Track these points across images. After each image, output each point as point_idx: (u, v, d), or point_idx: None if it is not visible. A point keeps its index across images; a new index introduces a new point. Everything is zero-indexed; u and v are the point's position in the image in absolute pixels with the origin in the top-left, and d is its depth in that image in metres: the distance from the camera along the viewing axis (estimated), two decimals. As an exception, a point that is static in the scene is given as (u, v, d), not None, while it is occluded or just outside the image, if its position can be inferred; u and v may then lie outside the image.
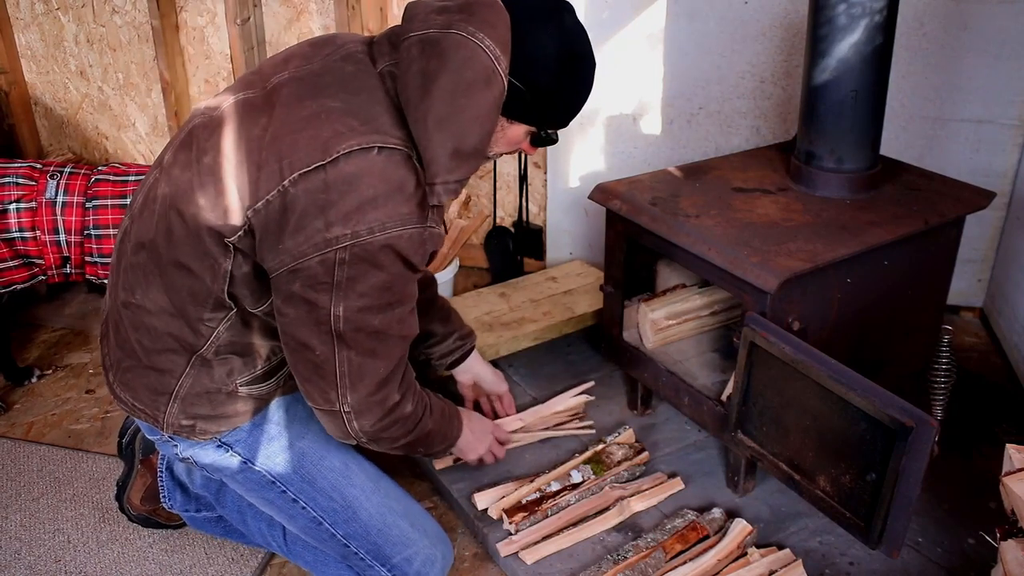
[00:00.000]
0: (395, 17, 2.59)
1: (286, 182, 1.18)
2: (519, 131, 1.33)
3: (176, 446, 1.42)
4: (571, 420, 1.97)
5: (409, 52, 1.21)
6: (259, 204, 1.19)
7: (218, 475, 1.46)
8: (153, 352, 1.34)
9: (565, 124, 1.37)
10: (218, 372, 1.35)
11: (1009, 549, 1.13)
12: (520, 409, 1.95)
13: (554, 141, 1.39)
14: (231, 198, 1.21)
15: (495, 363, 2.18)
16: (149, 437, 1.47)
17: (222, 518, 1.66)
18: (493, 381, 1.87)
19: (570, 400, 2.02)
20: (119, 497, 1.75)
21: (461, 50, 1.18)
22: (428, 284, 1.73)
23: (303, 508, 1.44)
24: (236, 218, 1.21)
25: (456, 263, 2.43)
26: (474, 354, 1.82)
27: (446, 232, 1.60)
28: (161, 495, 1.67)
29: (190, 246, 1.26)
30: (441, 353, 1.78)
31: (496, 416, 1.91)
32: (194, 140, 1.28)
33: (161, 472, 1.68)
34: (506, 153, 1.40)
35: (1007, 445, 1.20)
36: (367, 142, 1.18)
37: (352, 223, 1.16)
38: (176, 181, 1.27)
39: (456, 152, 1.21)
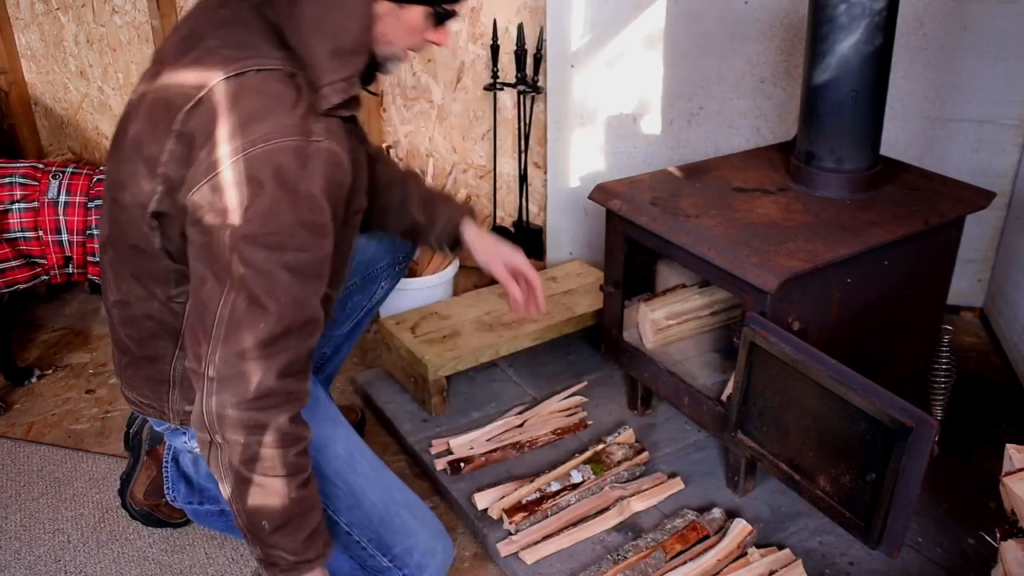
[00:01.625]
0: (395, 17, 2.59)
1: (176, 125, 1.18)
2: (415, 16, 1.28)
3: (184, 434, 1.43)
4: (570, 419, 1.97)
5: None
6: (164, 157, 1.19)
7: None
8: (142, 342, 1.35)
9: None
10: None
11: (1009, 549, 1.13)
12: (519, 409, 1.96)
13: (454, 14, 1.33)
14: (144, 168, 1.22)
15: (494, 363, 2.19)
16: (157, 429, 1.47)
17: (224, 511, 1.66)
18: (511, 254, 1.69)
19: (565, 402, 2.03)
20: (122, 492, 1.76)
21: None
22: (389, 187, 1.67)
23: None
24: (148, 183, 1.22)
25: (456, 263, 2.43)
26: (474, 229, 1.70)
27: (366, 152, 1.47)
28: (165, 487, 1.67)
29: (133, 230, 1.27)
30: (436, 238, 1.69)
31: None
32: (118, 132, 1.30)
33: (166, 463, 1.68)
34: (416, 47, 1.35)
35: (1007, 445, 1.20)
36: (243, 67, 1.17)
37: (235, 140, 1.14)
38: (110, 174, 1.31)
39: (336, 51, 1.19)
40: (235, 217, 1.14)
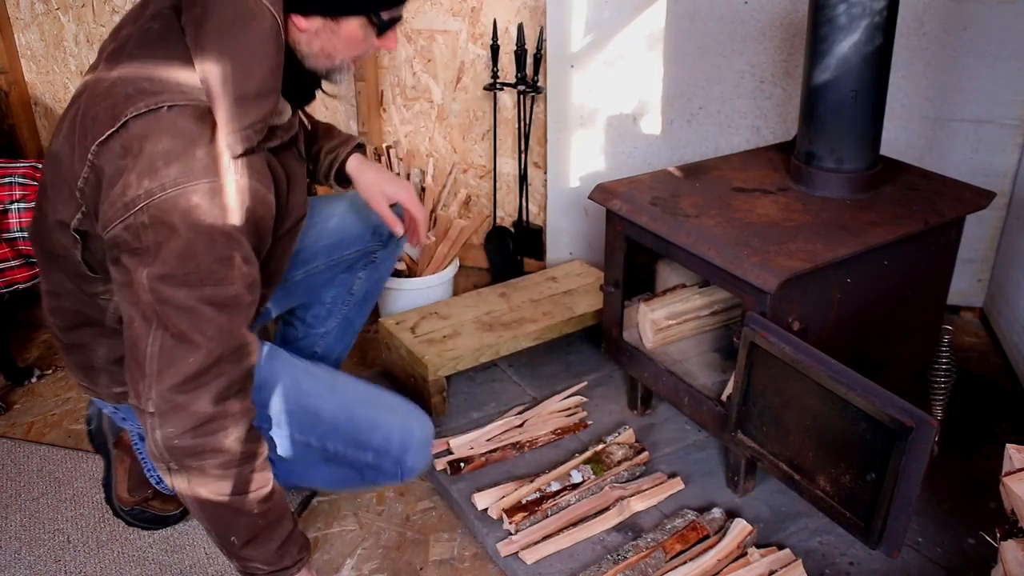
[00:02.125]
0: (395, 17, 2.59)
1: (90, 155, 1.17)
2: (353, 27, 1.27)
3: (125, 418, 1.47)
4: (570, 419, 1.97)
5: None
6: (80, 183, 1.20)
7: None
8: (68, 330, 1.39)
9: (397, 1, 1.29)
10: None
11: (1009, 549, 1.13)
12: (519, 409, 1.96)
13: (397, 19, 1.31)
14: (65, 185, 1.23)
15: (494, 363, 2.19)
16: (107, 413, 1.50)
17: None
18: (393, 186, 1.67)
19: (565, 402, 2.03)
20: (109, 499, 1.75)
21: None
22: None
23: (267, 432, 1.46)
24: (70, 201, 1.23)
25: (456, 263, 2.43)
26: (357, 161, 1.67)
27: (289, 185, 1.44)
28: (145, 471, 1.68)
29: (58, 238, 1.30)
30: (322, 174, 1.68)
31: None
32: (59, 122, 1.31)
33: (137, 446, 1.69)
34: (362, 57, 1.34)
35: (1007, 445, 1.20)
36: (156, 102, 1.15)
37: (146, 183, 1.13)
38: (46, 167, 1.32)
39: (239, 98, 1.16)
40: (150, 259, 1.15)
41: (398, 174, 2.47)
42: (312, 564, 1.41)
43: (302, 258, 1.71)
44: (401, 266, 2.36)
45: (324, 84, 1.36)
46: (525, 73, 2.44)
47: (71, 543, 1.72)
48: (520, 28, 2.40)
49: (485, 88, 2.53)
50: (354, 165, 1.67)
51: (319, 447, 1.50)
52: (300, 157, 1.44)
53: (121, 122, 1.15)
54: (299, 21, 1.23)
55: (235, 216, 1.18)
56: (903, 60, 2.14)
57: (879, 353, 1.77)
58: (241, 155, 1.18)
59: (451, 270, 2.41)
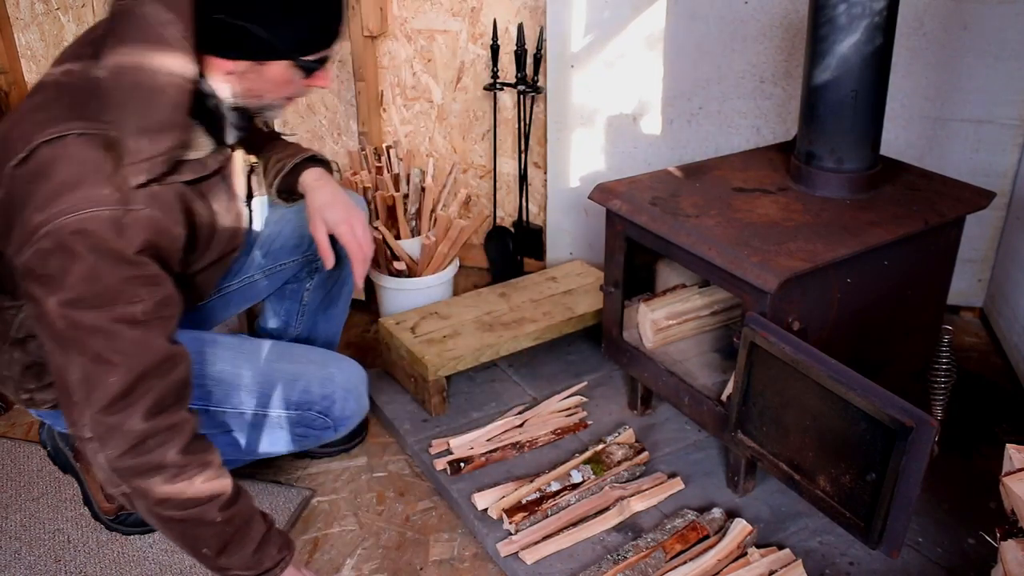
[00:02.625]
0: (395, 17, 2.59)
1: (4, 178, 1.20)
2: (279, 70, 1.28)
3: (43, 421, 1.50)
4: (570, 419, 1.97)
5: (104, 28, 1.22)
6: None
7: None
8: None
9: (325, 42, 1.30)
10: (31, 346, 1.39)
11: (1009, 549, 1.13)
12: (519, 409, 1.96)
13: (324, 61, 1.32)
14: None
15: (494, 363, 2.19)
16: (48, 424, 1.54)
17: None
18: (336, 214, 1.56)
19: (565, 402, 2.03)
20: (95, 514, 1.74)
21: (124, 23, 1.17)
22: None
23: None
24: None
25: (456, 263, 2.43)
26: (312, 178, 1.59)
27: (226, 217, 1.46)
28: None
29: None
30: (269, 182, 1.63)
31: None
32: None
33: None
34: (294, 96, 1.35)
35: (1007, 445, 1.20)
36: (64, 130, 1.18)
37: (48, 209, 1.15)
38: None
39: (141, 131, 1.18)
40: (56, 286, 1.16)
41: (397, 175, 2.47)
42: (300, 561, 1.42)
43: (235, 269, 1.70)
44: (401, 266, 2.36)
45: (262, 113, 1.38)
46: (525, 73, 2.44)
47: (71, 543, 1.72)
48: (520, 28, 2.40)
49: (485, 88, 2.53)
50: (310, 180, 1.60)
51: (239, 414, 1.51)
52: (231, 191, 1.45)
53: (31, 147, 1.17)
54: (225, 64, 1.25)
55: (136, 242, 1.20)
56: (903, 60, 2.14)
57: (879, 353, 1.77)
58: (143, 185, 1.20)
59: (451, 270, 2.41)
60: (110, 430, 1.21)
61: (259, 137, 1.67)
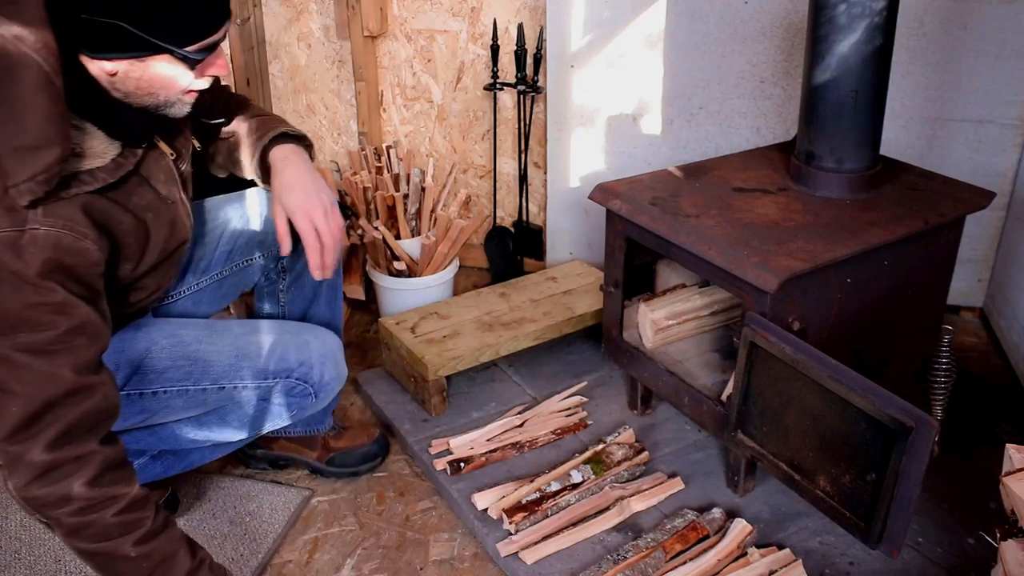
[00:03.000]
0: (395, 17, 2.59)
1: None
2: (161, 64, 1.22)
3: None
4: (570, 419, 1.97)
5: None
6: None
7: None
8: None
9: (203, 30, 1.23)
10: None
11: (1009, 549, 1.13)
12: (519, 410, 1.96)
13: (210, 49, 1.25)
14: None
15: (494, 363, 2.19)
16: None
17: (155, 456, 1.67)
18: (296, 200, 1.47)
19: (565, 402, 2.03)
20: None
21: None
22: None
23: (167, 393, 1.48)
24: None
25: (456, 263, 2.43)
26: (279, 158, 1.51)
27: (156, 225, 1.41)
28: None
29: None
30: (251, 172, 1.57)
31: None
32: None
33: None
34: (186, 89, 1.28)
35: (1007, 445, 1.20)
36: None
37: None
38: None
39: (15, 151, 1.12)
40: None
41: (397, 175, 2.47)
42: None
43: (203, 266, 1.69)
44: (401, 266, 2.36)
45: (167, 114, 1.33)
46: (525, 73, 2.44)
47: (71, 543, 1.72)
48: (520, 28, 2.40)
49: (485, 88, 2.53)
50: (276, 159, 1.50)
51: (219, 389, 1.50)
52: (157, 192, 1.39)
53: None
54: (104, 65, 1.21)
55: (36, 265, 1.16)
56: (903, 60, 2.14)
57: (879, 353, 1.77)
58: (31, 206, 1.16)
59: (451, 270, 2.41)
60: (13, 459, 1.18)
61: (230, 112, 1.60)
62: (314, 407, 1.62)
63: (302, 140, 1.57)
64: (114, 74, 1.23)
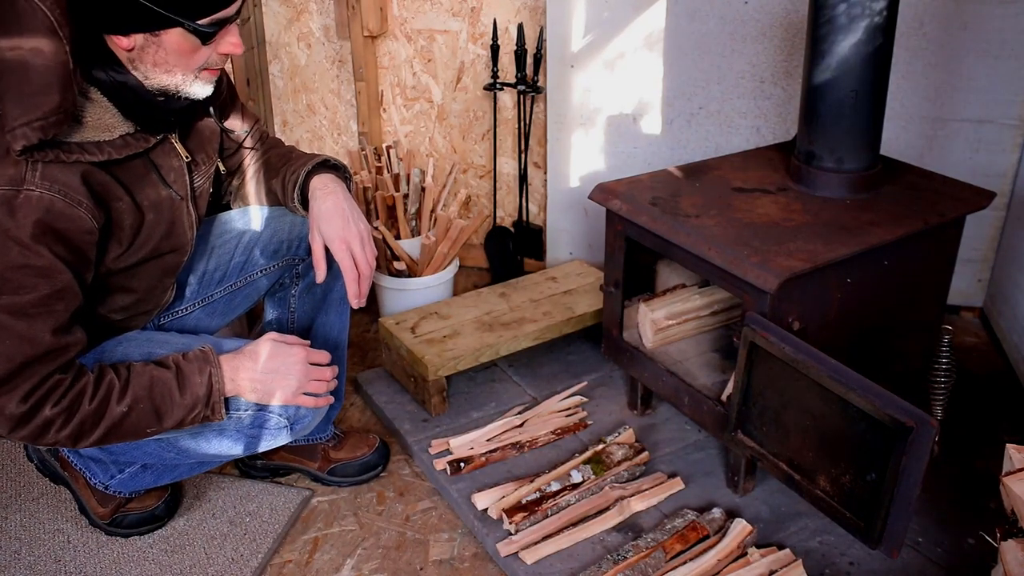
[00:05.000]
0: (395, 17, 2.59)
1: None
2: (175, 38, 1.26)
3: None
4: (570, 419, 1.97)
5: None
6: None
7: None
8: None
9: (214, 4, 1.26)
10: None
11: (1009, 549, 1.13)
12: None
13: (222, 24, 1.27)
14: None
15: (494, 363, 2.19)
16: None
17: (146, 465, 1.67)
18: (335, 227, 1.50)
19: (565, 402, 2.03)
20: (93, 523, 1.74)
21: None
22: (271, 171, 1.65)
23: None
24: None
25: (456, 263, 2.43)
26: (318, 186, 1.54)
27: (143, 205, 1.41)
28: (90, 479, 1.69)
29: None
30: (290, 196, 1.59)
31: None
32: None
33: (74, 461, 1.70)
34: (210, 65, 1.32)
35: (1007, 445, 1.20)
36: None
37: None
38: None
39: (19, 96, 1.17)
40: None
41: (397, 175, 2.47)
42: (222, 365, 1.40)
43: (217, 277, 1.70)
44: (401, 266, 2.36)
45: (184, 100, 1.35)
46: (525, 73, 2.44)
47: (71, 543, 1.72)
48: (520, 28, 2.40)
49: (485, 88, 2.53)
50: (316, 187, 1.54)
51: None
52: (163, 188, 1.41)
53: None
54: (121, 40, 1.25)
55: (27, 226, 1.20)
56: (903, 60, 2.14)
57: (879, 353, 1.77)
58: (23, 152, 1.19)
59: (451, 270, 2.41)
60: None
61: (277, 155, 1.67)
62: (290, 438, 1.56)
63: (341, 170, 1.62)
64: (131, 49, 1.26)
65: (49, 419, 1.28)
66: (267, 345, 1.46)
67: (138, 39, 1.25)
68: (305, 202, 1.58)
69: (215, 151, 1.59)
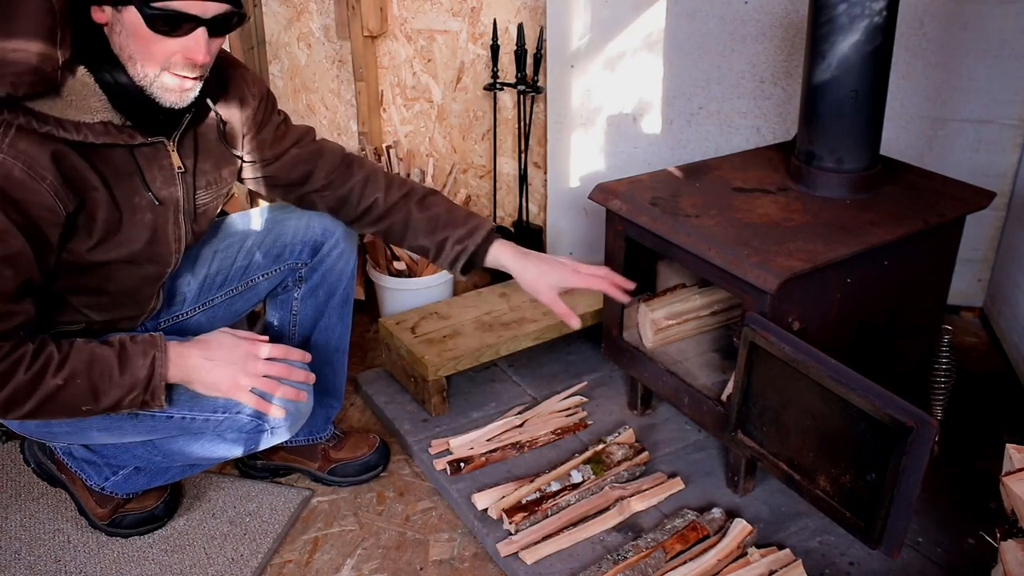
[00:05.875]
0: (395, 17, 2.59)
1: None
2: (132, 18, 1.22)
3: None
4: (570, 419, 1.97)
5: None
6: None
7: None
8: None
9: None
10: None
11: (1009, 549, 1.13)
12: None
13: (178, 20, 1.23)
14: None
15: (494, 363, 2.19)
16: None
17: (139, 468, 1.67)
18: (558, 276, 1.61)
19: (565, 402, 2.03)
20: (92, 524, 1.74)
21: None
22: (385, 214, 1.66)
23: (117, 414, 1.45)
24: None
25: (456, 263, 2.43)
26: (502, 248, 1.64)
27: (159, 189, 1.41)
28: (86, 480, 1.69)
29: None
30: (448, 262, 1.65)
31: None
32: None
33: (68, 464, 1.70)
34: (170, 65, 1.27)
35: (1007, 445, 1.20)
36: None
37: None
38: None
39: (2, 37, 1.17)
40: None
41: (397, 172, 2.47)
42: (168, 351, 1.38)
43: (219, 281, 1.70)
44: (401, 266, 2.36)
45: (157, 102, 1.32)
46: (525, 73, 2.44)
47: (71, 543, 1.72)
48: (520, 28, 2.40)
49: (485, 88, 2.53)
50: (509, 261, 1.64)
51: (167, 419, 1.46)
52: (146, 190, 1.39)
53: None
54: (96, 13, 1.24)
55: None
56: (903, 60, 2.14)
57: (879, 353, 1.77)
58: (76, 135, 1.20)
59: (451, 270, 2.41)
60: None
61: (426, 216, 1.66)
62: (272, 441, 1.54)
63: (501, 230, 1.69)
64: (105, 24, 1.25)
65: None
66: (216, 335, 1.44)
67: (109, 12, 1.23)
68: (463, 269, 1.65)
69: (232, 173, 1.57)
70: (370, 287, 2.52)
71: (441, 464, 1.84)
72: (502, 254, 1.64)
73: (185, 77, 1.30)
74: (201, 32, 1.26)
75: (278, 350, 1.46)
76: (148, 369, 1.35)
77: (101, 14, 1.24)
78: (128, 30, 1.24)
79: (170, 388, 1.41)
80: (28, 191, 1.23)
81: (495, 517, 1.69)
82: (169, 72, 1.28)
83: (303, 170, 1.64)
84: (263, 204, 1.74)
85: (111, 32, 1.26)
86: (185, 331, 1.67)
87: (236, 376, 1.40)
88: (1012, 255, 2.21)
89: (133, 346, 1.36)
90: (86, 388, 1.32)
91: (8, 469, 1.93)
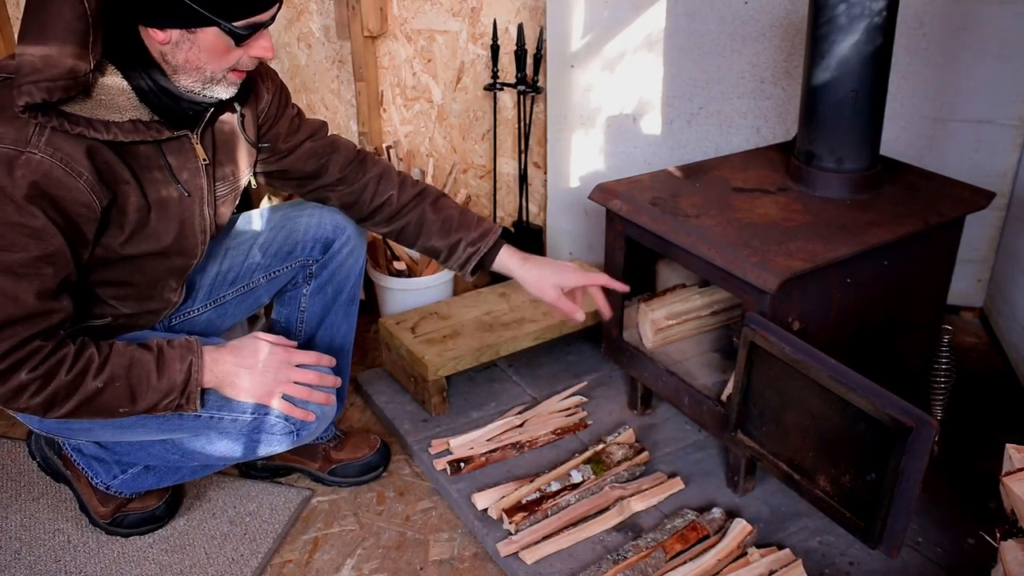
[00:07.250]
0: (395, 17, 2.59)
1: None
2: (210, 37, 1.27)
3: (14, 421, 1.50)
4: (570, 419, 1.97)
5: None
6: None
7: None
8: None
9: (252, 7, 1.27)
10: None
11: (1009, 549, 1.13)
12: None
13: (257, 28, 1.29)
14: None
15: (494, 363, 2.19)
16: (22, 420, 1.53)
17: (148, 467, 1.67)
18: (562, 276, 1.67)
19: (565, 402, 2.03)
20: (93, 522, 1.74)
21: None
22: (398, 212, 1.69)
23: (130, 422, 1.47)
24: None
25: (456, 263, 2.43)
26: (508, 253, 1.70)
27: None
28: (91, 478, 1.69)
29: None
30: (459, 264, 1.70)
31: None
32: None
33: (76, 461, 1.70)
34: (233, 68, 1.33)
35: (1007, 445, 1.20)
36: None
37: None
38: None
39: (35, 55, 1.19)
40: None
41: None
42: (204, 356, 1.40)
43: (230, 278, 1.71)
44: (401, 266, 2.36)
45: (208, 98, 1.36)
46: (525, 73, 2.44)
47: (71, 543, 1.72)
48: (520, 28, 2.40)
49: (485, 88, 2.53)
50: (514, 265, 1.69)
51: (194, 417, 1.47)
52: (174, 183, 1.41)
53: None
54: (157, 34, 1.26)
55: (23, 187, 1.21)
56: (903, 60, 2.14)
57: (879, 353, 1.77)
58: (26, 110, 1.20)
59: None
60: None
61: (440, 218, 1.69)
62: (297, 443, 1.55)
63: (508, 234, 1.71)
64: (166, 43, 1.27)
65: (24, 383, 1.28)
66: (249, 341, 1.46)
67: (174, 34, 1.26)
68: (474, 270, 1.71)
69: (249, 165, 1.58)
70: (370, 287, 2.52)
71: (441, 464, 1.84)
72: (509, 258, 1.70)
73: (244, 71, 1.37)
74: (268, 32, 1.33)
75: (310, 357, 1.50)
76: (185, 374, 1.38)
77: (163, 35, 1.26)
78: (201, 45, 1.28)
79: (204, 392, 1.44)
80: (66, 188, 1.25)
81: (495, 517, 1.69)
82: (235, 72, 1.35)
83: (317, 163, 1.66)
84: (274, 201, 1.74)
85: (173, 48, 1.27)
86: (194, 328, 1.67)
87: (270, 385, 1.45)
88: (1012, 255, 2.21)
89: (170, 351, 1.38)
90: (124, 391, 1.34)
91: (8, 469, 1.93)
